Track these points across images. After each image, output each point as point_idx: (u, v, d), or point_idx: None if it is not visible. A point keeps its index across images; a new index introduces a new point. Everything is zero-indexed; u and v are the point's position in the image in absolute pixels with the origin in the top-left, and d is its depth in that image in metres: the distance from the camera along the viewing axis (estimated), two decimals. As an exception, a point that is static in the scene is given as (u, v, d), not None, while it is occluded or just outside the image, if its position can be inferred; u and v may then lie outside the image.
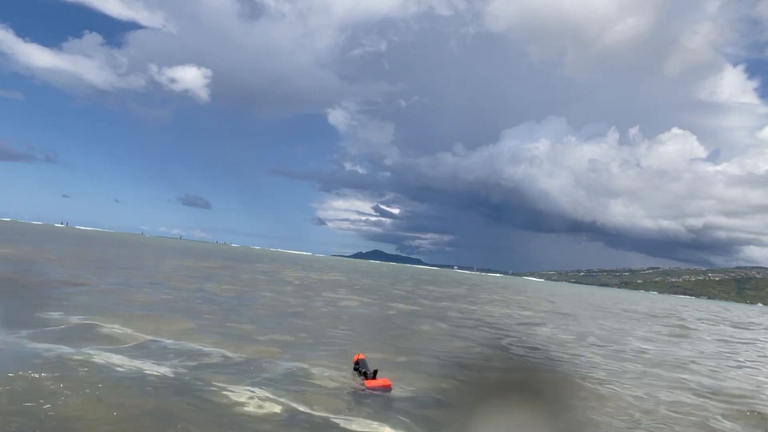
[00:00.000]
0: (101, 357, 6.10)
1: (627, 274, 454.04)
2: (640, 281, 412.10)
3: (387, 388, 5.74)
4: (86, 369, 5.58)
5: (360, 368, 5.72)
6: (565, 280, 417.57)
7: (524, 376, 7.95)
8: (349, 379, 6.11)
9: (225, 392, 5.35)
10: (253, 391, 5.23)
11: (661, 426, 5.89)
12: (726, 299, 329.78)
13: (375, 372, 5.62)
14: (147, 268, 22.48)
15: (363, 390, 5.72)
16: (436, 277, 57.64)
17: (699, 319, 33.92)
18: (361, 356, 5.97)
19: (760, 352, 17.19)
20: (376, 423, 4.89)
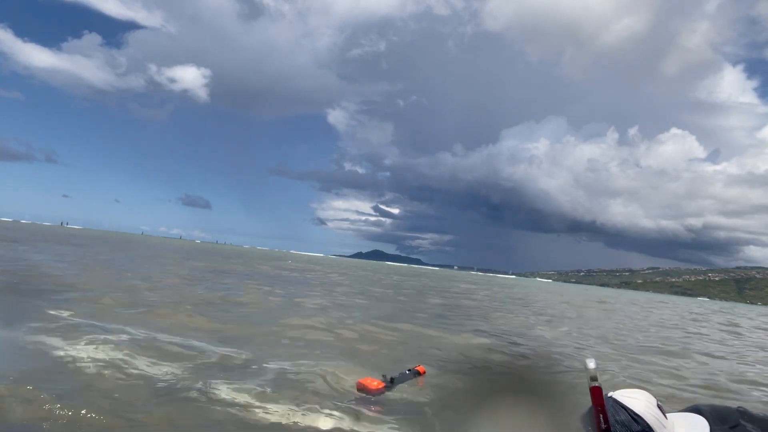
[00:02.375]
0: (107, 354, 5.82)
1: (627, 274, 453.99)
2: (640, 281, 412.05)
3: (378, 390, 5.18)
4: (90, 367, 5.18)
5: (408, 372, 5.47)
6: (565, 281, 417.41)
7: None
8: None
9: (228, 392, 4.88)
10: (257, 391, 4.99)
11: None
12: (726, 299, 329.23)
13: (392, 380, 5.39)
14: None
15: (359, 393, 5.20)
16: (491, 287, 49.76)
17: None
18: (422, 369, 5.62)
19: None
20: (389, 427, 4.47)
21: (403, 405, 5.05)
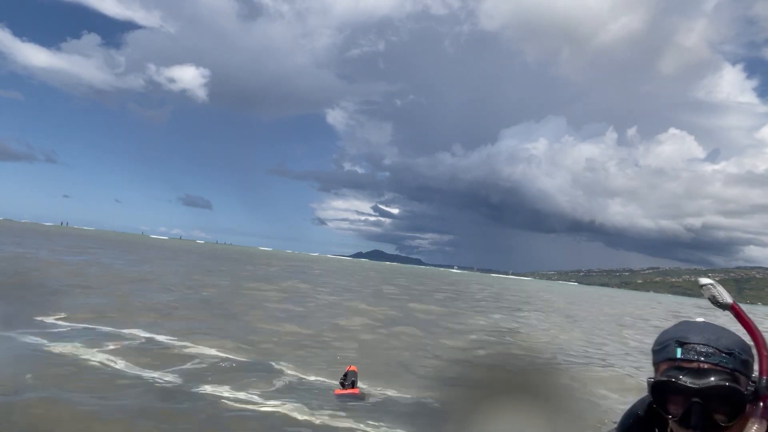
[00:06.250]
0: (107, 357, 6.14)
1: (627, 274, 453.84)
2: (640, 281, 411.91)
3: (356, 396, 5.69)
4: (91, 368, 5.49)
5: (344, 380, 5.91)
6: (565, 281, 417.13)
7: None
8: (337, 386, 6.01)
9: (221, 394, 5.08)
10: (249, 394, 5.25)
11: None
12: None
13: (353, 383, 5.83)
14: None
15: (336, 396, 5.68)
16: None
17: None
18: (354, 368, 6.07)
19: None
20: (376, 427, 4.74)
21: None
